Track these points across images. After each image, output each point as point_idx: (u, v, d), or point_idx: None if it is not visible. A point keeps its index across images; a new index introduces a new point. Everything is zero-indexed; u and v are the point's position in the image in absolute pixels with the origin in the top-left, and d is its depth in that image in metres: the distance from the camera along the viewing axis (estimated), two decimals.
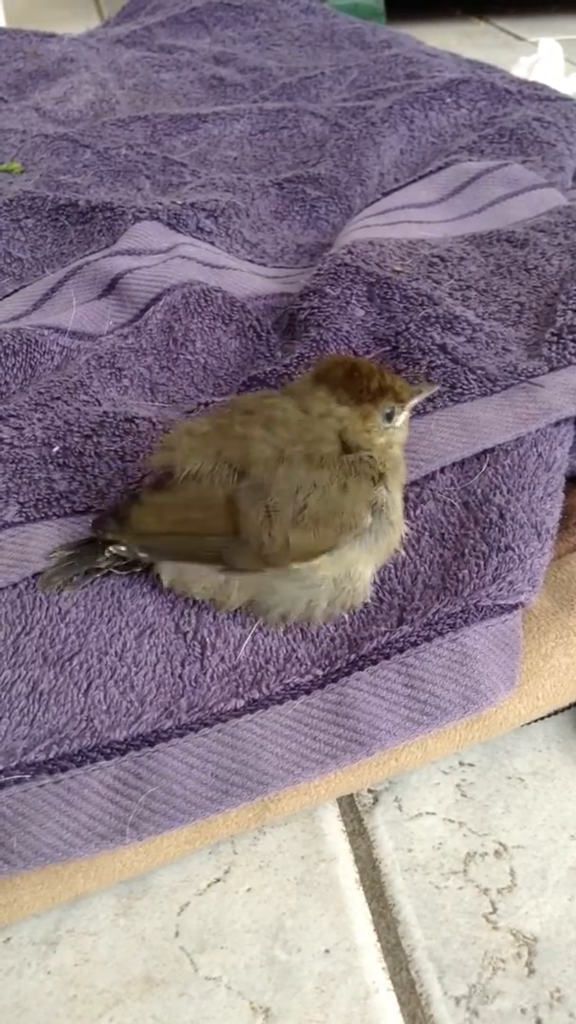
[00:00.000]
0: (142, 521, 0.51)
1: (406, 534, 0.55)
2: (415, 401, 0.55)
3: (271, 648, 0.51)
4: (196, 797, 0.44)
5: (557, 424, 0.61)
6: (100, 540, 0.53)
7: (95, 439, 0.62)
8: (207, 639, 0.51)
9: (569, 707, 0.52)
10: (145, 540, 0.52)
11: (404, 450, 0.55)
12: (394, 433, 0.53)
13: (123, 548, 0.52)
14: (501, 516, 0.54)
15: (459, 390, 0.64)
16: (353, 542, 0.50)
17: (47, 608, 0.52)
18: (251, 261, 0.90)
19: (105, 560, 0.53)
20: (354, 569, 0.50)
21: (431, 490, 0.58)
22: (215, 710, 0.47)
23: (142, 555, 0.52)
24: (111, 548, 0.52)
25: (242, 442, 0.50)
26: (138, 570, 0.54)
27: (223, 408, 0.57)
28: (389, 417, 0.52)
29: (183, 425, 0.54)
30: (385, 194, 0.96)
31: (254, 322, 0.76)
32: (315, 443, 0.50)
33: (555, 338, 0.68)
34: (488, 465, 0.59)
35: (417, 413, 0.63)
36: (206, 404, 0.67)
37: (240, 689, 0.48)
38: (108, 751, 0.46)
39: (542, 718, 0.52)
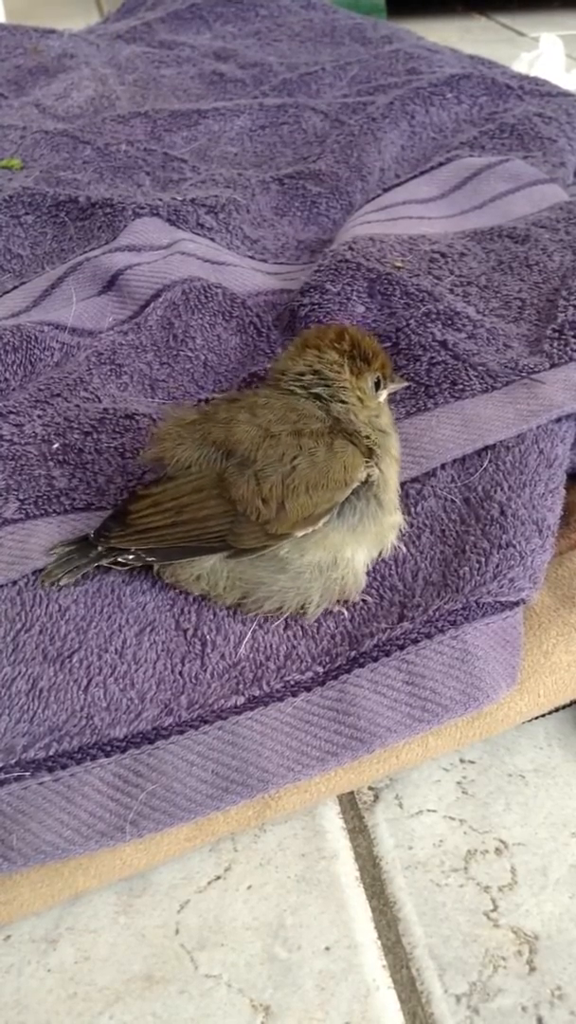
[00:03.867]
0: (140, 513, 0.51)
1: (406, 531, 0.55)
2: (394, 387, 0.56)
3: (271, 645, 0.51)
4: (196, 795, 0.44)
5: (558, 420, 0.61)
6: (105, 549, 0.52)
7: (95, 436, 0.62)
8: (207, 636, 0.51)
9: (570, 704, 0.52)
10: (148, 540, 0.51)
11: (393, 425, 0.55)
12: (382, 409, 0.54)
13: (131, 556, 0.52)
14: (502, 513, 0.54)
15: (460, 386, 0.64)
16: (337, 523, 0.50)
17: (47, 605, 0.52)
18: (251, 257, 0.89)
19: (105, 555, 0.53)
20: (340, 555, 0.50)
21: (432, 487, 0.58)
22: (215, 707, 0.47)
23: (149, 559, 0.52)
24: (119, 558, 0.52)
25: (227, 425, 0.51)
26: (138, 565, 0.54)
27: (213, 402, 0.58)
28: (376, 387, 0.53)
29: (172, 415, 0.55)
30: (386, 190, 0.96)
31: (254, 318, 0.76)
32: (301, 421, 0.50)
33: (556, 334, 0.67)
34: (489, 462, 0.58)
35: (418, 410, 0.63)
36: (206, 400, 0.67)
37: (240, 686, 0.48)
38: (108, 748, 0.46)
39: (543, 715, 0.51)
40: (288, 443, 0.49)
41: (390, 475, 0.52)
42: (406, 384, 0.60)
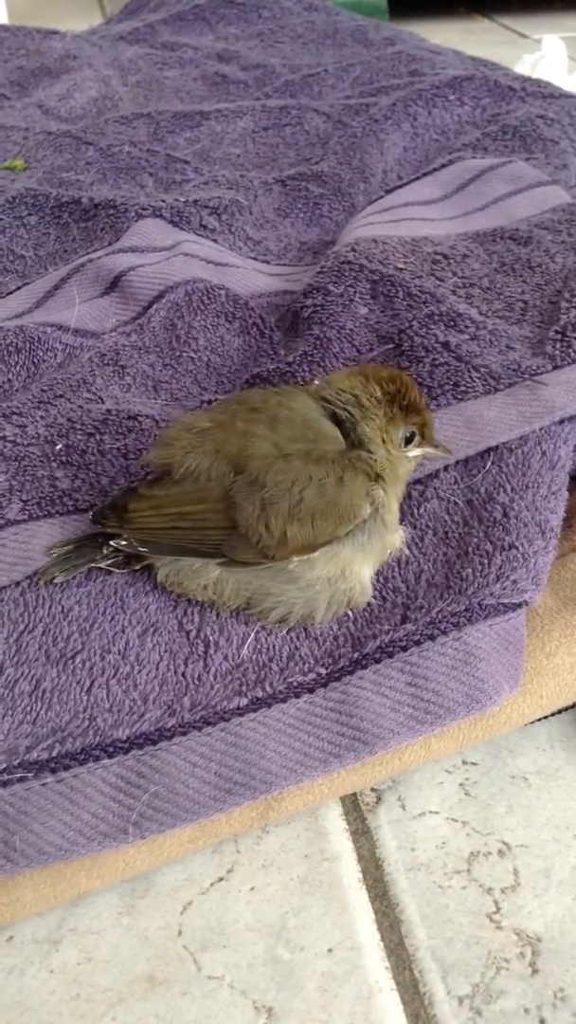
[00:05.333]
0: (140, 513, 0.51)
1: (409, 534, 0.55)
2: (431, 449, 0.55)
3: (274, 646, 0.51)
4: (199, 796, 0.44)
5: (561, 422, 0.61)
6: (100, 533, 0.52)
7: (98, 437, 0.62)
8: (210, 637, 0.51)
9: (573, 706, 0.52)
10: (144, 534, 0.51)
11: (405, 484, 0.55)
12: (402, 459, 0.53)
13: (123, 542, 0.52)
14: (505, 515, 0.54)
15: (463, 388, 0.64)
16: (347, 540, 0.50)
17: (50, 606, 0.52)
18: (254, 259, 0.89)
19: (104, 557, 0.53)
20: (349, 569, 0.50)
21: (435, 488, 0.58)
22: (218, 709, 0.47)
23: (142, 549, 0.52)
24: (111, 542, 0.52)
25: (243, 439, 0.50)
26: (138, 568, 0.54)
27: (226, 402, 0.57)
28: (408, 441, 0.53)
29: (182, 420, 0.54)
30: (388, 191, 0.96)
31: (257, 320, 0.76)
32: (317, 440, 0.50)
33: (559, 336, 0.67)
34: (492, 463, 0.58)
35: None
36: (209, 402, 0.67)
37: (243, 688, 0.48)
38: (111, 750, 0.46)
39: (545, 717, 0.51)
40: (299, 469, 0.49)
41: (393, 502, 0.52)
42: (445, 455, 0.57)
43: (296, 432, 0.50)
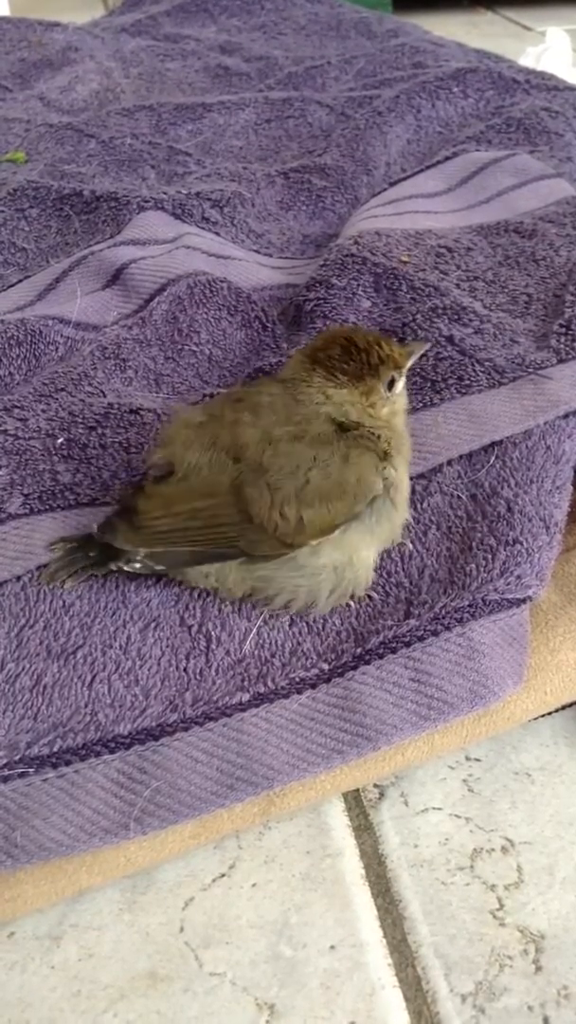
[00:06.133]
0: (151, 515, 0.50)
1: (412, 527, 0.55)
2: (411, 361, 0.54)
3: (277, 642, 0.50)
4: (201, 792, 0.44)
5: (566, 416, 0.60)
6: (110, 555, 0.52)
7: (99, 431, 0.62)
8: (212, 632, 0.51)
9: None
10: (157, 542, 0.50)
11: (407, 424, 0.55)
12: (396, 400, 0.53)
13: (138, 565, 0.51)
14: (509, 509, 0.54)
15: (466, 382, 0.64)
16: (355, 524, 0.49)
17: (51, 601, 0.52)
18: (257, 251, 0.89)
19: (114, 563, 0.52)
20: (356, 555, 0.50)
21: (438, 483, 0.58)
22: (220, 704, 0.47)
23: (158, 568, 0.51)
24: (125, 567, 0.51)
25: (233, 428, 0.50)
26: (145, 574, 0.54)
27: (217, 398, 0.57)
28: (390, 386, 0.52)
29: (180, 417, 0.54)
30: (392, 184, 0.96)
31: (260, 313, 0.76)
32: (303, 423, 0.50)
33: (563, 329, 0.67)
34: (496, 458, 0.58)
35: (424, 405, 0.63)
36: (211, 396, 0.67)
37: (245, 683, 0.48)
38: (112, 745, 0.46)
39: (549, 713, 0.51)
40: (302, 453, 0.49)
41: (402, 474, 0.51)
42: (427, 345, 0.58)
43: (280, 416, 0.50)
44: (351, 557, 0.50)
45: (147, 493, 0.51)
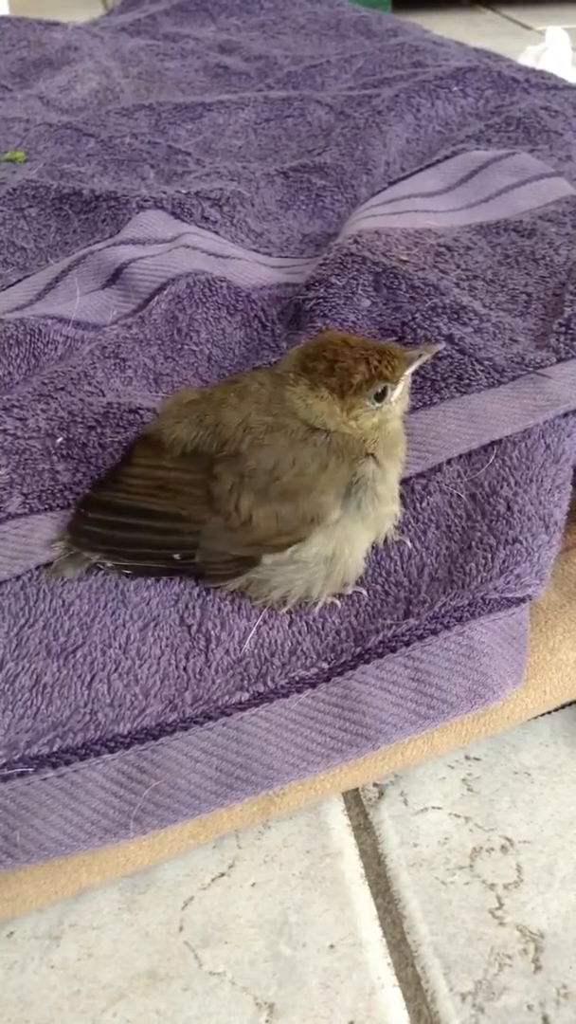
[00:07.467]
0: (133, 476, 0.52)
1: (411, 526, 0.55)
2: (412, 368, 0.53)
3: (276, 641, 0.50)
4: (200, 791, 0.44)
5: (565, 416, 0.60)
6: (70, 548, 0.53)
7: (99, 430, 0.62)
8: (212, 632, 0.51)
9: None
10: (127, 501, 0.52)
11: (404, 422, 0.54)
12: (389, 409, 0.52)
13: (109, 564, 0.53)
14: (508, 508, 0.54)
15: (466, 381, 0.64)
16: (342, 516, 0.50)
17: (51, 600, 0.52)
18: (256, 251, 0.89)
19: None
20: (346, 545, 0.50)
21: (438, 482, 0.58)
22: (220, 703, 0.47)
23: (108, 565, 0.53)
24: (85, 553, 0.53)
25: (219, 407, 0.51)
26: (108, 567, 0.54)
27: (220, 381, 0.59)
28: (380, 397, 0.51)
29: (177, 394, 0.55)
30: (391, 183, 0.96)
31: (259, 312, 0.76)
32: (281, 415, 0.50)
33: (563, 329, 0.67)
34: (495, 457, 0.58)
35: (424, 404, 0.63)
36: None
37: (245, 682, 0.48)
38: (112, 744, 0.46)
39: (549, 712, 0.51)
40: (278, 447, 0.49)
41: (388, 468, 0.51)
42: (439, 347, 0.57)
43: (261, 406, 0.51)
44: (340, 547, 0.50)
45: (133, 462, 0.53)
